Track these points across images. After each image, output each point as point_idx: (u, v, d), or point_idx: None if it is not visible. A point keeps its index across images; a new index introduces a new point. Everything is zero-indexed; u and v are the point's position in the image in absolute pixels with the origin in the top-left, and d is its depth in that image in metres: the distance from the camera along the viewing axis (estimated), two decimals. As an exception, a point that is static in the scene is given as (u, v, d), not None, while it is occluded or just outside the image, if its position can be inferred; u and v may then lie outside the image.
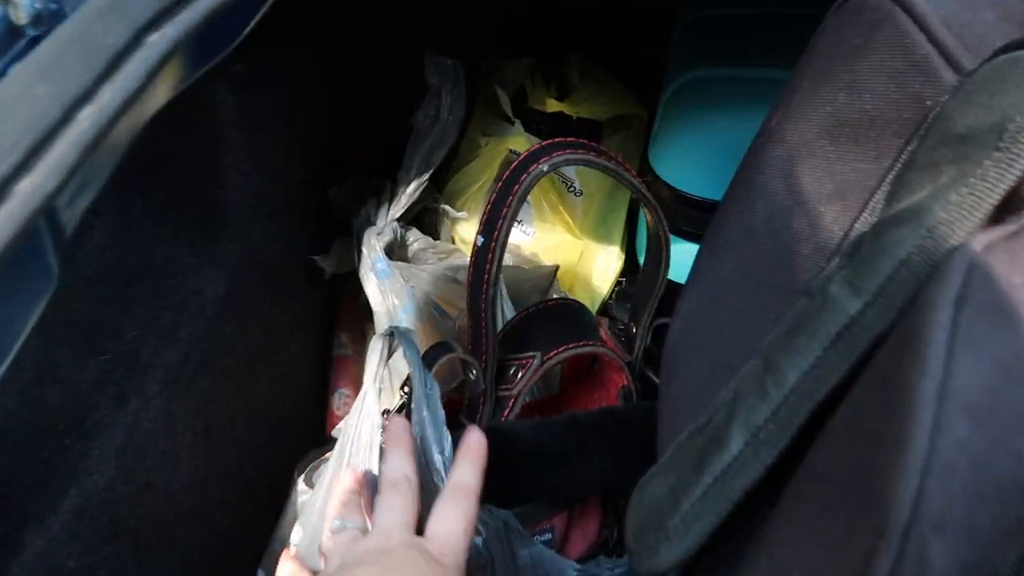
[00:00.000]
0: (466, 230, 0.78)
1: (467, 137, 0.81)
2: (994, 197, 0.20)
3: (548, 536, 0.48)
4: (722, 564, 0.24)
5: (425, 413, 0.43)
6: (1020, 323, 0.18)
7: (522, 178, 0.45)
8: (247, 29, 0.40)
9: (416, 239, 0.70)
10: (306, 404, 0.69)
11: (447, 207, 0.73)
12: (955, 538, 0.18)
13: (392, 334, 0.48)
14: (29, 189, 0.24)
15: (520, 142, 0.74)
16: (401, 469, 0.39)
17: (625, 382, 0.54)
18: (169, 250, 0.58)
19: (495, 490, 0.43)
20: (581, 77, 0.90)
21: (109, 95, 0.27)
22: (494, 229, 0.46)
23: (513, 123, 0.76)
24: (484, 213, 0.46)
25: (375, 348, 0.49)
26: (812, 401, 0.22)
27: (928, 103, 0.26)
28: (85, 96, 0.27)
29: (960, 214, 0.20)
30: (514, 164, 0.45)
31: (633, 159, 0.87)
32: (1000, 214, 0.21)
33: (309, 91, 0.65)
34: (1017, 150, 0.20)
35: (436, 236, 0.77)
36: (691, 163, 0.74)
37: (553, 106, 0.80)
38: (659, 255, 0.51)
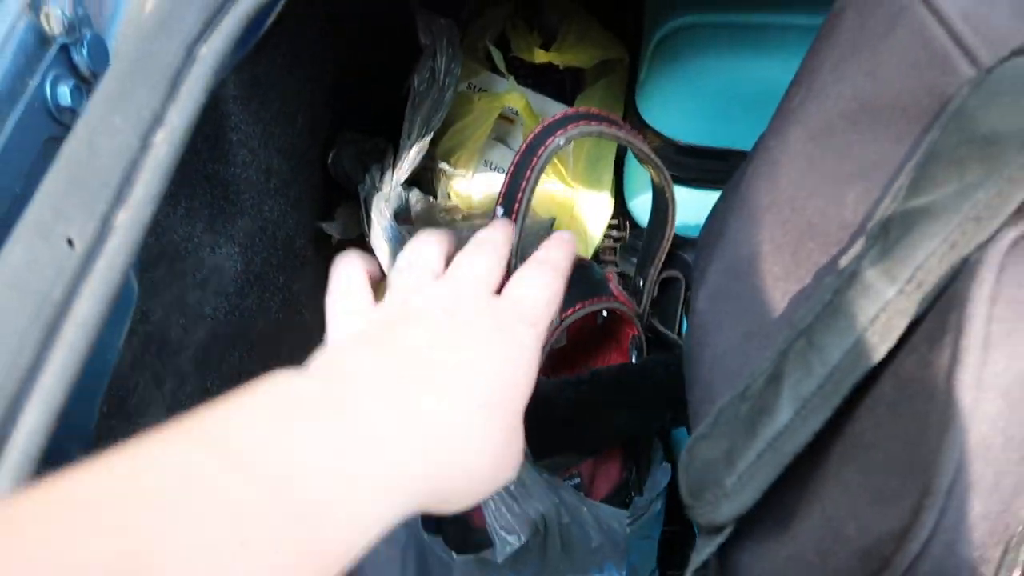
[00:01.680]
0: (462, 186, 0.79)
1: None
2: (1020, 196, 0.23)
3: (577, 481, 0.53)
4: (773, 517, 0.28)
5: None
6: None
7: (540, 151, 0.46)
8: (270, 20, 0.40)
9: (418, 200, 0.71)
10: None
11: (446, 166, 0.74)
12: (986, 494, 0.22)
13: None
14: (128, 222, 0.25)
15: (514, 98, 0.75)
16: (498, 233, 0.35)
17: (636, 332, 0.57)
18: (185, 230, 0.58)
19: (530, 446, 0.46)
20: (561, 20, 0.90)
21: (176, 117, 0.28)
22: (514, 202, 0.47)
23: (507, 78, 0.76)
24: (503, 186, 0.48)
25: None
26: (854, 377, 0.25)
27: (946, 93, 0.28)
28: (156, 120, 0.28)
29: (988, 212, 0.23)
30: (530, 138, 0.47)
31: (617, 104, 0.88)
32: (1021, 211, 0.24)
33: (304, 58, 0.65)
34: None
35: (433, 194, 0.78)
36: (682, 111, 0.75)
37: (541, 56, 0.80)
38: (665, 215, 0.53)
